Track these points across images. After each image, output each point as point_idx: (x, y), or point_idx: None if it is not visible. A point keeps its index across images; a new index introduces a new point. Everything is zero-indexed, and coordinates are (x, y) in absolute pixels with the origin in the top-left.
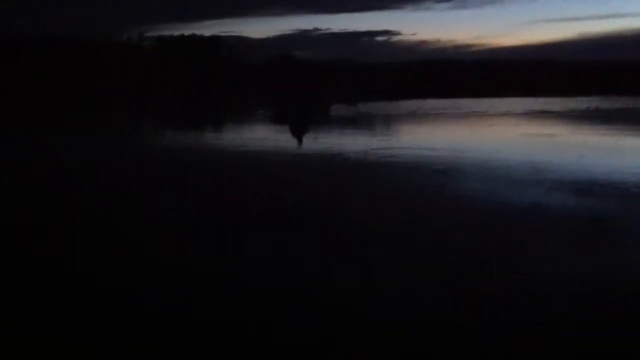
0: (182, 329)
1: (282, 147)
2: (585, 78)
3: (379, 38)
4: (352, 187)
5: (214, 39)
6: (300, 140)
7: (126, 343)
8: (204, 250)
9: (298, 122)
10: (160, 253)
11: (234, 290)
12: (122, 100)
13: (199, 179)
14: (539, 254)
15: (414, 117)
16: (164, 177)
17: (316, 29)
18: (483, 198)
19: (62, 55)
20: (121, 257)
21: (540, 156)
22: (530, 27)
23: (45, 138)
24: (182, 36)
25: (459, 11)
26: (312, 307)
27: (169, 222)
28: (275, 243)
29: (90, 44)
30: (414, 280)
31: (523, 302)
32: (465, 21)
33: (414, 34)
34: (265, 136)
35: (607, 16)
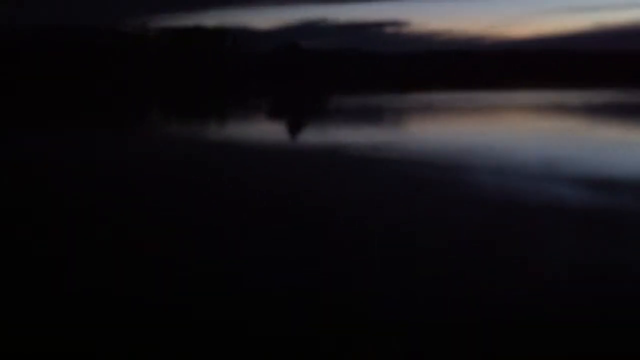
0: (192, 328)
1: (278, 141)
2: (602, 69)
3: (388, 28)
4: (355, 183)
5: (219, 29)
6: (294, 134)
7: (127, 343)
8: (209, 248)
9: (294, 115)
10: (169, 251)
11: (236, 289)
12: (125, 91)
13: (196, 174)
14: (553, 249)
15: (424, 110)
16: (166, 172)
17: (323, 19)
18: (497, 194)
19: (65, 45)
20: (131, 255)
21: (559, 151)
22: (544, 16)
23: (46, 133)
24: (186, 26)
25: (471, 1)
26: (324, 306)
27: (172, 220)
28: (282, 240)
29: (94, 33)
30: (424, 278)
31: (537, 298)
32: (477, 11)
33: (424, 24)
34: (261, 130)
35: (625, 6)
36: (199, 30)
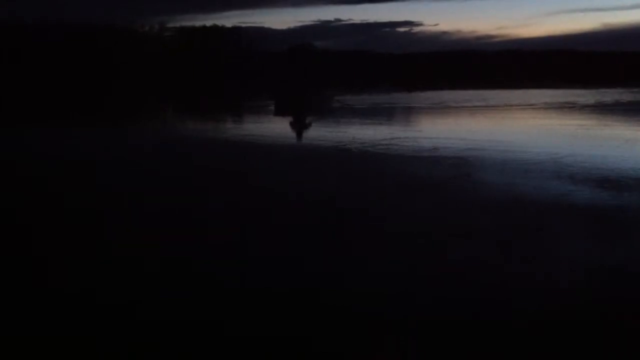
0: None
1: (291, 139)
2: (610, 69)
3: (401, 29)
4: (368, 181)
5: (236, 29)
6: (299, 134)
7: (128, 342)
8: (230, 244)
9: (306, 113)
10: (189, 250)
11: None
12: (142, 89)
13: (209, 171)
14: (563, 247)
15: (434, 109)
16: (181, 169)
17: (337, 20)
18: (510, 192)
19: (82, 44)
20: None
21: (575, 149)
22: (553, 17)
23: (63, 130)
24: (203, 27)
25: (481, 1)
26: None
27: (188, 219)
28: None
29: (111, 33)
30: (436, 275)
31: (546, 296)
32: (487, 11)
33: (435, 25)
34: (275, 127)
35: (632, 7)
36: (216, 30)
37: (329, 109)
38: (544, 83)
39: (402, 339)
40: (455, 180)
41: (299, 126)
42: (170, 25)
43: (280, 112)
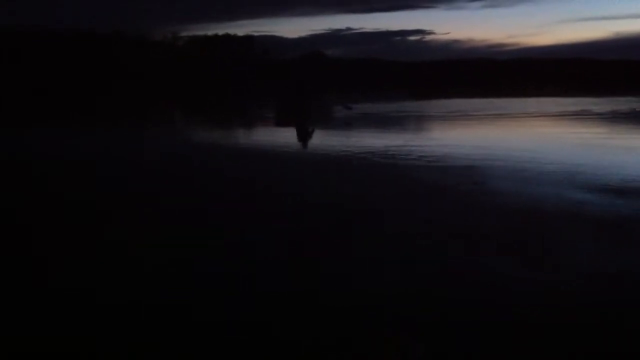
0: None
1: (302, 147)
2: (621, 78)
3: (412, 37)
4: (381, 188)
5: (248, 38)
6: (305, 143)
7: (130, 342)
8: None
9: (301, 122)
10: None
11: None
12: (155, 99)
13: (208, 176)
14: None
15: (446, 117)
16: (196, 177)
17: (349, 28)
18: (525, 201)
19: (95, 53)
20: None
21: (592, 159)
22: (564, 26)
23: (77, 136)
24: (216, 35)
25: (492, 10)
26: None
27: (206, 224)
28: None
29: (124, 42)
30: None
31: (560, 304)
32: (498, 20)
33: (447, 33)
34: (285, 135)
35: None
36: (228, 39)
37: (334, 117)
38: (556, 91)
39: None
40: (467, 187)
41: (301, 135)
42: (184, 34)
43: (281, 121)
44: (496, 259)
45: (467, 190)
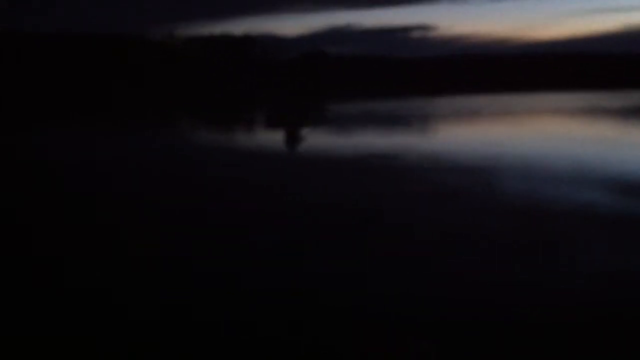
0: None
1: (306, 147)
2: (631, 71)
3: (415, 33)
4: (393, 189)
5: (246, 37)
6: (290, 147)
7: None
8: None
9: (292, 125)
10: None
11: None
12: (153, 98)
13: (205, 177)
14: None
15: (453, 116)
16: (193, 176)
17: (349, 25)
18: (539, 200)
19: (92, 53)
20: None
21: (607, 156)
22: (571, 18)
23: (77, 136)
24: (213, 34)
25: (497, 3)
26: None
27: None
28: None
29: (121, 42)
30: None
31: (573, 303)
32: (503, 14)
33: (450, 28)
34: (288, 136)
35: None
36: (226, 38)
37: (329, 119)
38: (564, 86)
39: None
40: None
41: (290, 139)
42: (181, 32)
43: (272, 123)
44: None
45: (480, 192)
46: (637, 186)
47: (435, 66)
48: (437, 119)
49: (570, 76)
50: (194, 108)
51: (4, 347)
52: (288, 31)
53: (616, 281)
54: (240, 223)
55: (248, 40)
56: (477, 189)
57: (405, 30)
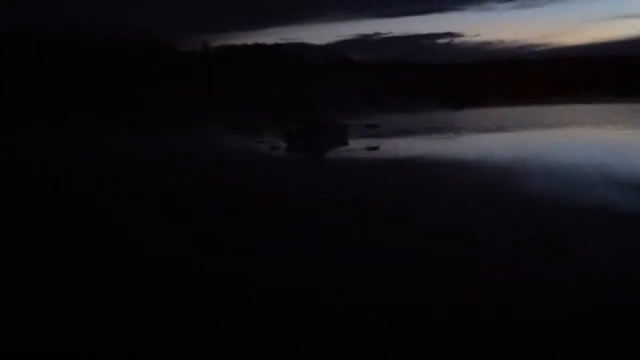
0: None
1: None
2: None
3: (441, 40)
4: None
5: (277, 46)
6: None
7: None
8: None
9: (345, 129)
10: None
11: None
12: (186, 107)
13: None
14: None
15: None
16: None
17: (377, 33)
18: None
19: (127, 60)
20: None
21: None
22: (597, 24)
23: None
24: (245, 44)
25: (522, 10)
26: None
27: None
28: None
29: (155, 51)
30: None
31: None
32: (528, 21)
33: (476, 35)
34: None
35: None
36: (257, 47)
37: (376, 125)
38: (594, 96)
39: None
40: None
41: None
42: (213, 43)
43: (291, 147)
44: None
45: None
46: None
47: (462, 72)
48: (470, 145)
49: (597, 83)
50: (223, 115)
51: (6, 346)
52: (317, 40)
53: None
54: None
55: (278, 49)
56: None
57: (431, 37)
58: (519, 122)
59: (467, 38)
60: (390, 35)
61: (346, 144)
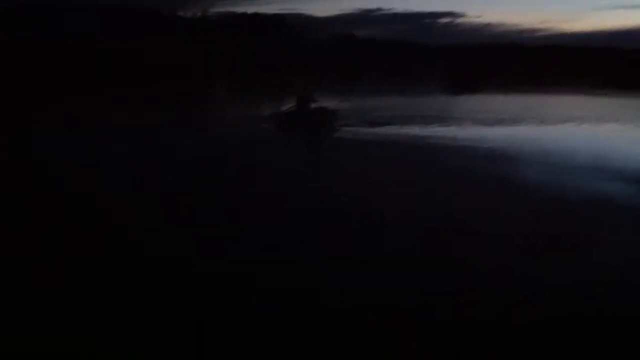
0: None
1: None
2: None
3: (443, 20)
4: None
5: (277, 16)
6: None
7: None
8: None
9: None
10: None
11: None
12: (183, 76)
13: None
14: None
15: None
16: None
17: (379, 9)
18: None
19: (125, 28)
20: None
21: None
22: (600, 12)
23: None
24: (245, 13)
25: None
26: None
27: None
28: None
29: (153, 19)
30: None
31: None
32: (531, 5)
33: (478, 17)
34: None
35: None
36: (257, 17)
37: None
38: (592, 86)
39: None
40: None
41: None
42: (213, 11)
43: (279, 131)
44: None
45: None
46: None
47: (463, 54)
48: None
49: (598, 73)
50: (237, 85)
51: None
52: (318, 13)
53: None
54: None
55: (279, 20)
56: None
57: (433, 16)
58: (520, 113)
59: (468, 19)
60: (393, 11)
61: (335, 130)
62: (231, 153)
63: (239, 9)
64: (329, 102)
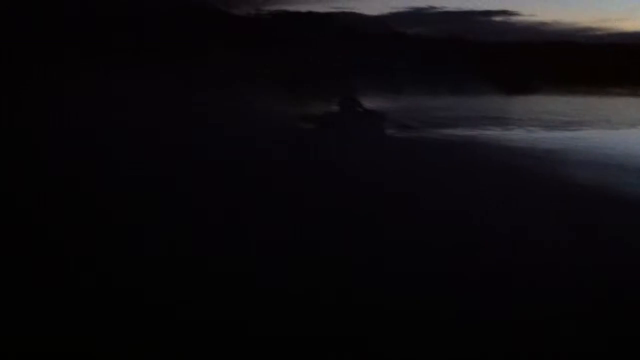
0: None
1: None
2: None
3: (496, 18)
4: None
5: (329, 15)
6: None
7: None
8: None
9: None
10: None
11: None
12: (238, 72)
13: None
14: None
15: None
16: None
17: (431, 7)
18: None
19: (177, 25)
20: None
21: None
22: None
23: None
24: (298, 11)
25: None
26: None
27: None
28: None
29: (207, 15)
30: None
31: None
32: (587, 2)
33: (532, 15)
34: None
35: None
36: (310, 15)
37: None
38: None
39: None
40: None
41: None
42: (266, 9)
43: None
44: None
45: None
46: None
47: (517, 53)
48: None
49: None
50: (287, 82)
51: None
52: (369, 11)
53: None
54: None
55: (330, 18)
56: None
57: (486, 14)
58: (584, 115)
59: (523, 17)
60: (445, 9)
61: (383, 135)
62: (277, 152)
63: (292, 7)
64: (378, 103)
